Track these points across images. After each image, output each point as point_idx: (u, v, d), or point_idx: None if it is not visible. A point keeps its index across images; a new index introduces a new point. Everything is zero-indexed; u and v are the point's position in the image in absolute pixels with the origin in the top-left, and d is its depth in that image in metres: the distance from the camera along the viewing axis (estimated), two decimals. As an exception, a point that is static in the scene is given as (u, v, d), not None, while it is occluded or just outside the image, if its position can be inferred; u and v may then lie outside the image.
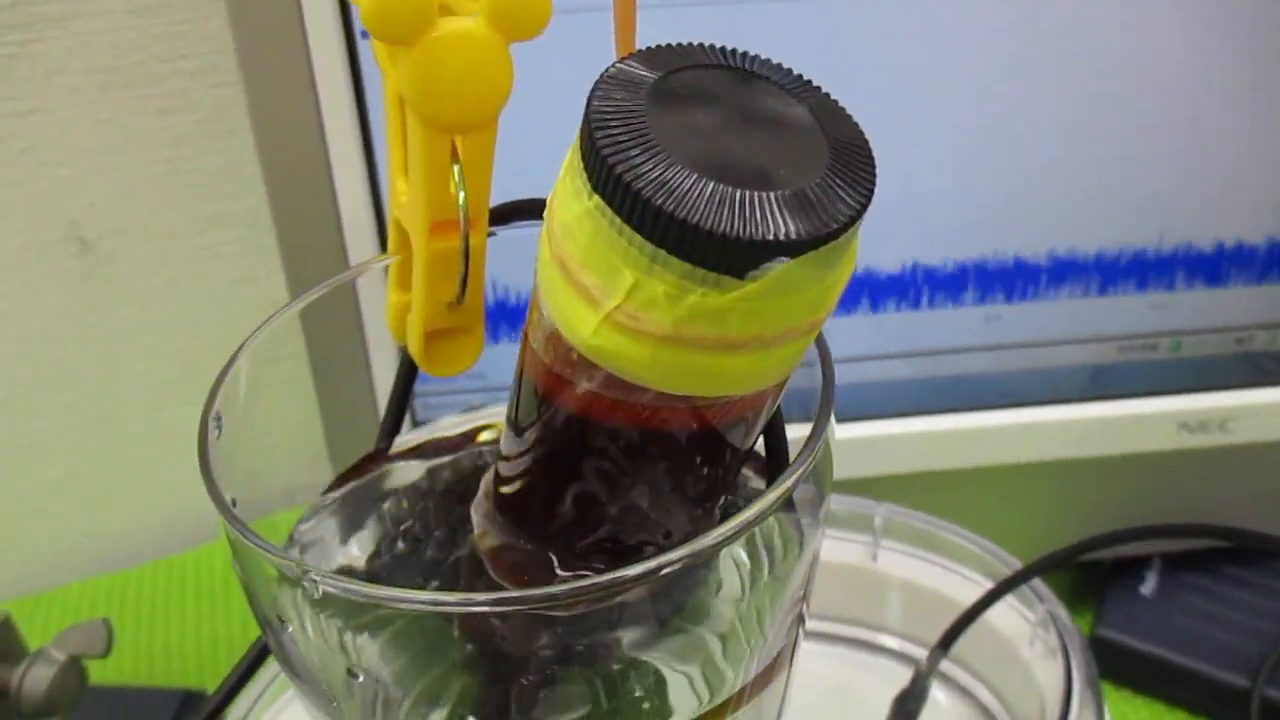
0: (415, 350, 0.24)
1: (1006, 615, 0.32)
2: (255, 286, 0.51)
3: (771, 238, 0.15)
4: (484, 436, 0.26)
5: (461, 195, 0.22)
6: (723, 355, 0.16)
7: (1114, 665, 0.41)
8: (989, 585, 0.32)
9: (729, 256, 0.15)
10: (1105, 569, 0.44)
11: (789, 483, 0.19)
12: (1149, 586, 0.43)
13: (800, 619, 0.22)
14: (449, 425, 0.27)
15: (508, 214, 0.24)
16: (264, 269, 0.51)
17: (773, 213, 0.15)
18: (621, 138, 0.15)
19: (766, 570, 0.21)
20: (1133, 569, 0.44)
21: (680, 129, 0.16)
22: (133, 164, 0.48)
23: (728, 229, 0.15)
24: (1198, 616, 0.42)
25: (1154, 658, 0.41)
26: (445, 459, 0.25)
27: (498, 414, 0.27)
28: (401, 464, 0.26)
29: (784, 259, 0.15)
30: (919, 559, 0.34)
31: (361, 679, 0.19)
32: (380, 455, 0.26)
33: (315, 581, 0.17)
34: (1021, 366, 0.40)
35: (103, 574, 0.50)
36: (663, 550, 0.21)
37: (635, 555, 0.20)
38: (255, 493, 0.22)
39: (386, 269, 0.24)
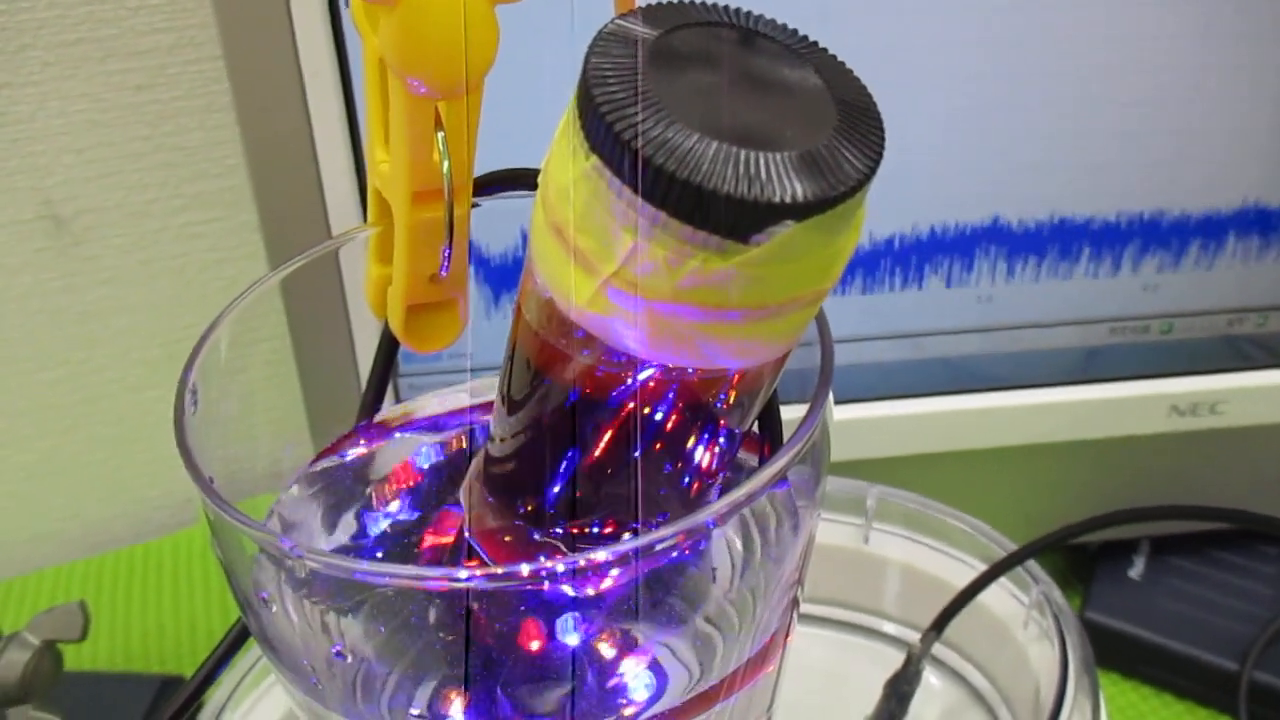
0: (396, 325, 0.23)
1: (1000, 597, 0.31)
2: (235, 267, 0.50)
3: (778, 200, 0.14)
4: (472, 414, 0.26)
5: (445, 163, 0.21)
6: (723, 325, 0.16)
7: (1102, 648, 0.41)
8: (982, 567, 0.31)
9: (733, 219, 0.14)
10: (1093, 552, 0.44)
11: (785, 460, 0.18)
12: (1137, 570, 0.43)
13: (795, 602, 0.21)
14: (433, 402, 0.26)
15: (493, 183, 0.24)
16: (244, 249, 0.50)
17: (779, 174, 0.14)
18: (620, 96, 0.15)
19: (760, 551, 0.21)
20: (1121, 552, 0.44)
21: (681, 88, 0.15)
22: (109, 141, 0.47)
23: (732, 190, 0.14)
24: (1186, 600, 0.42)
25: (1142, 641, 0.41)
26: (431, 438, 0.25)
27: (484, 390, 0.26)
28: (383, 442, 0.25)
29: (790, 222, 0.14)
30: (912, 541, 0.34)
31: (348, 659, 0.19)
32: (361, 432, 0.25)
33: (300, 556, 0.16)
34: (1013, 349, 0.39)
35: (79, 559, 0.49)
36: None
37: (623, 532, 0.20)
38: (235, 475, 0.22)
39: (368, 240, 0.24)
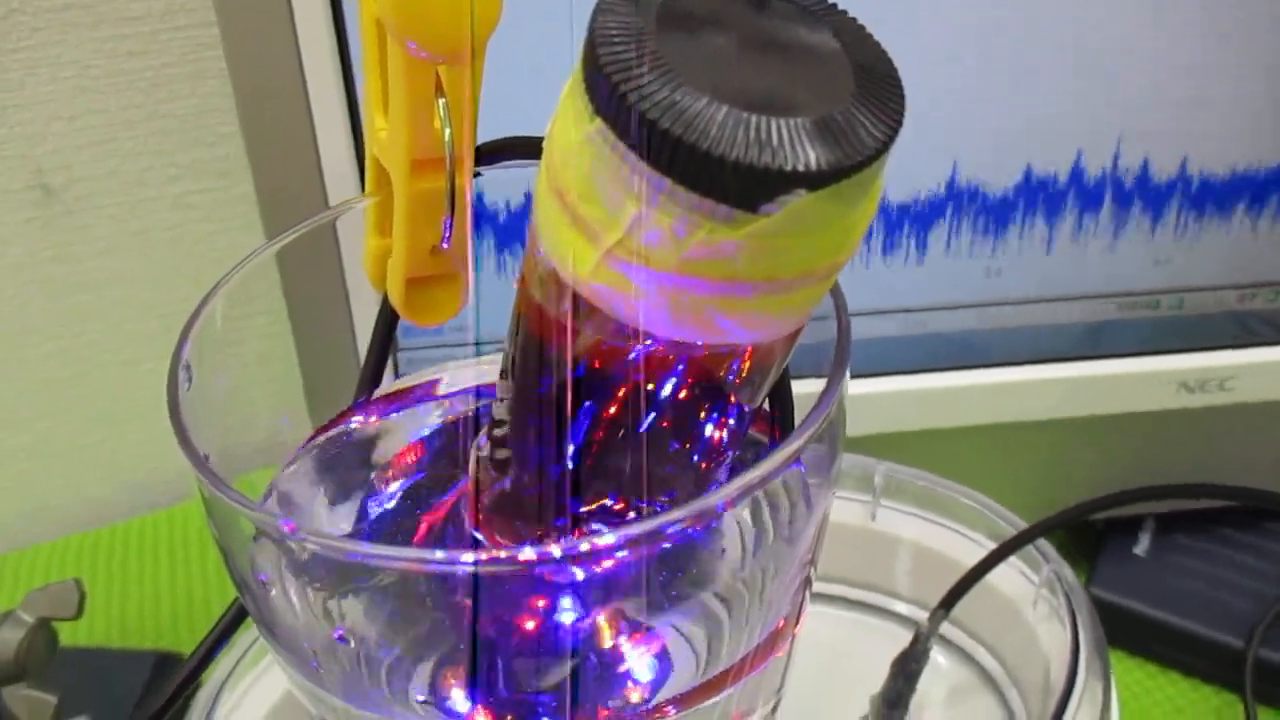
0: (396, 298, 0.23)
1: (1010, 576, 0.31)
2: (230, 238, 0.50)
3: (790, 168, 0.14)
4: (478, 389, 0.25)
5: (447, 131, 0.21)
6: (732, 299, 0.15)
7: (1107, 626, 0.40)
8: (991, 545, 0.31)
9: (743, 187, 0.14)
10: (1099, 529, 0.44)
11: (799, 442, 0.17)
12: (1143, 547, 0.43)
13: (807, 582, 0.21)
14: (437, 376, 0.26)
15: (496, 152, 0.23)
16: (240, 220, 0.49)
17: (793, 141, 0.14)
18: (627, 57, 0.14)
19: (772, 532, 0.20)
20: (1126, 529, 0.43)
21: (692, 50, 0.14)
22: (101, 108, 0.46)
23: (741, 156, 0.13)
24: (1192, 577, 0.41)
25: (1148, 618, 0.40)
26: (435, 413, 0.24)
27: (486, 365, 0.26)
28: (385, 418, 0.24)
29: (803, 191, 0.14)
30: (920, 518, 0.33)
31: (351, 644, 0.18)
32: (360, 408, 0.24)
33: (301, 539, 0.15)
34: (1021, 323, 0.39)
35: (74, 534, 0.49)
36: (665, 510, 0.20)
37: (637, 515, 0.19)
38: (231, 450, 0.21)
39: (366, 211, 0.23)
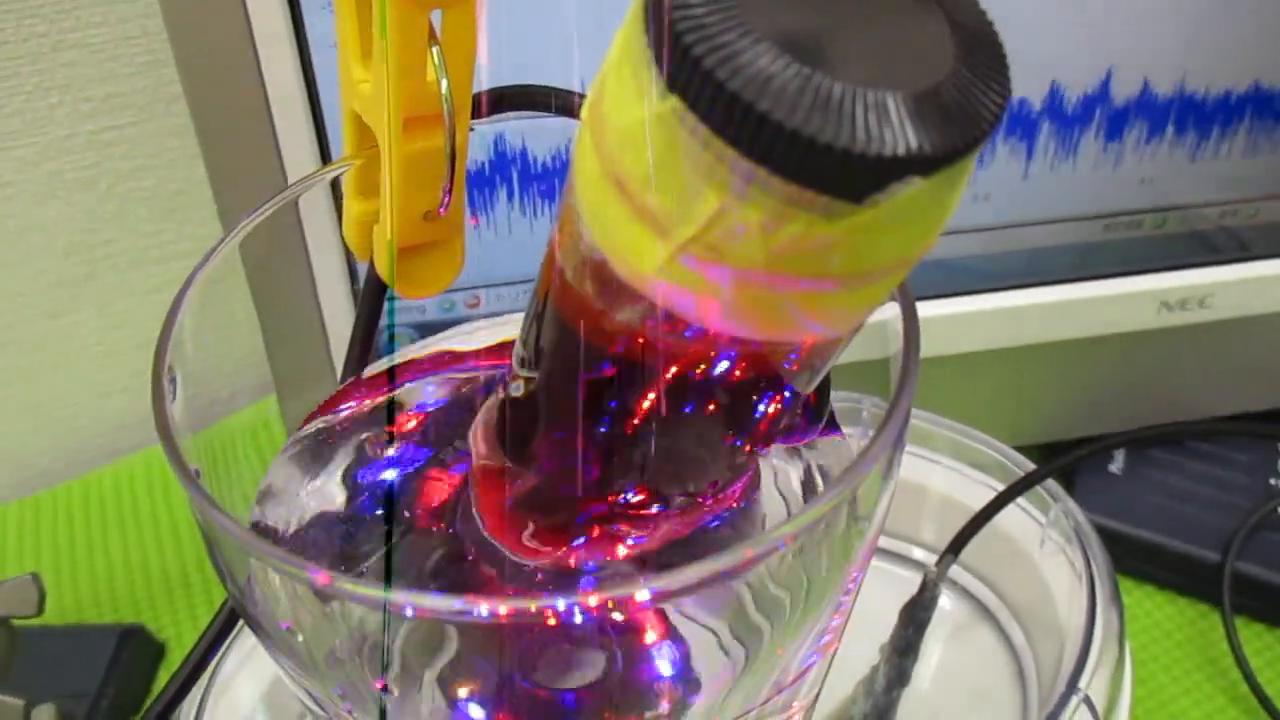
0: (386, 269, 0.21)
1: (1015, 515, 0.30)
2: (153, 176, 0.46)
3: (903, 152, 0.12)
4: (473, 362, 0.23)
5: (444, 83, 0.18)
6: (815, 295, 0.13)
7: (1087, 545, 0.41)
8: (986, 481, 0.30)
9: (849, 177, 0.12)
10: (1072, 447, 0.44)
11: (856, 481, 0.16)
12: (1118, 465, 0.43)
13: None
14: (421, 349, 0.24)
15: (493, 104, 0.21)
16: (164, 156, 0.46)
17: (901, 119, 0.12)
18: (709, 21, 0.12)
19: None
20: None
21: (777, 9, 0.12)
22: (6, 39, 0.41)
23: (850, 142, 0.12)
24: (1167, 492, 0.42)
25: (1125, 535, 0.41)
26: (436, 388, 0.22)
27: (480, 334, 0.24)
28: (382, 397, 0.22)
29: (917, 179, 0.12)
30: (919, 457, 0.32)
31: (394, 692, 0.16)
32: (352, 389, 0.22)
33: (326, 591, 0.14)
34: (1007, 248, 0.38)
35: (10, 501, 0.46)
36: (698, 503, 0.18)
37: (665, 504, 0.18)
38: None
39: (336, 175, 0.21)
